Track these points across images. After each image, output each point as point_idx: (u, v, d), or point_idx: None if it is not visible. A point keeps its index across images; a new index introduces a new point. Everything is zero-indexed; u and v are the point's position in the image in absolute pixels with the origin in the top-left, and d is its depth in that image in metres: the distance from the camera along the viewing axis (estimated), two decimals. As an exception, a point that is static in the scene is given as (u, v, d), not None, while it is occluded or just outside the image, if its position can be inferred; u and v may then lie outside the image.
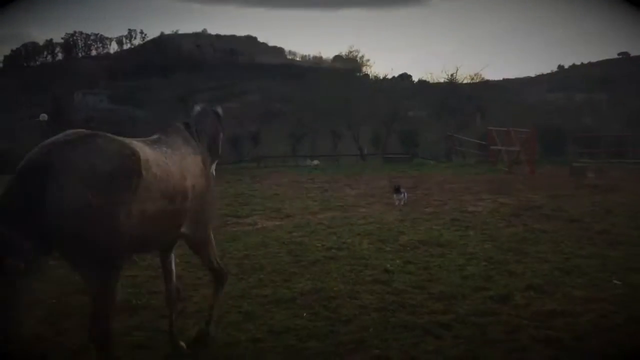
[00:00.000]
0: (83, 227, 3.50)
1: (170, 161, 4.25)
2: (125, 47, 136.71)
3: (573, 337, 4.74)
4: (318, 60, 56.95)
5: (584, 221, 10.17)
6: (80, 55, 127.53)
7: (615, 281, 6.39)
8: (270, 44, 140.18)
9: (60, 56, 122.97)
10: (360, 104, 42.69)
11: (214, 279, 5.08)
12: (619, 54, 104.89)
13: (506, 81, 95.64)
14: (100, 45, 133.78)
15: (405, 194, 12.80)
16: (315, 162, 34.08)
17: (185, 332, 5.04)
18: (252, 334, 4.97)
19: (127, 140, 4.01)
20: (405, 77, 64.75)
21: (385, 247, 8.42)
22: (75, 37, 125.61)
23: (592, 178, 17.80)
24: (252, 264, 7.45)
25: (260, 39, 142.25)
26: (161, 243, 4.54)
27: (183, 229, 4.48)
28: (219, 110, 5.46)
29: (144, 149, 4.02)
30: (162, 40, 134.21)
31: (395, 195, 12.53)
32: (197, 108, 5.31)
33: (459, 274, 6.82)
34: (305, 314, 5.47)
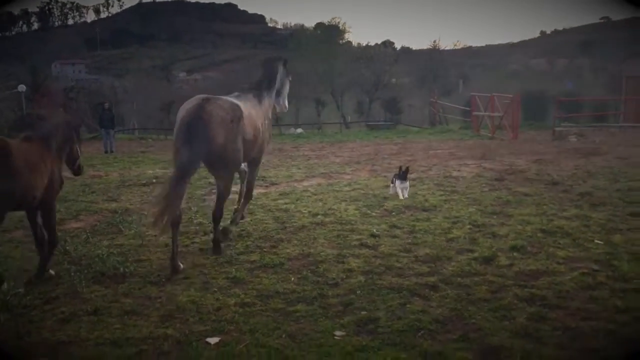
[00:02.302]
0: (224, 152, 6.11)
1: (252, 109, 6.77)
2: (102, 15, 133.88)
3: (556, 296, 4.84)
4: (300, 27, 56.10)
5: (566, 184, 10.30)
6: (56, 24, 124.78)
7: (597, 241, 6.51)
8: (251, 11, 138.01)
9: (35, 26, 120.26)
10: (343, 72, 42.45)
11: (247, 191, 7.64)
12: (600, 19, 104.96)
13: (489, 47, 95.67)
14: (77, 13, 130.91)
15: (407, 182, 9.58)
16: (299, 130, 34.01)
17: (175, 297, 5.08)
18: (241, 298, 5.01)
19: (231, 99, 6.61)
20: (388, 44, 64.33)
21: (371, 212, 8.47)
22: (50, 6, 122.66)
23: (574, 142, 18.00)
24: (238, 231, 7.46)
25: (241, 7, 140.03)
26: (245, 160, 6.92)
27: (253, 154, 6.97)
28: (283, 62, 7.75)
29: (239, 103, 6.51)
30: (141, 9, 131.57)
31: (398, 183, 9.40)
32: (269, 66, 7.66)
33: (444, 237, 6.90)
34: (293, 278, 5.52)
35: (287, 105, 8.05)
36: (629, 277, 5.23)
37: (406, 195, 9.25)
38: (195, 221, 8.21)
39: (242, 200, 7.78)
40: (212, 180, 11.89)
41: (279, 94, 7.72)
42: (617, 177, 10.75)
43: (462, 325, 4.36)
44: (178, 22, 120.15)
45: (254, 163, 7.35)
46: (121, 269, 5.86)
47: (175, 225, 5.94)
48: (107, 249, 6.62)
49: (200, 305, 4.87)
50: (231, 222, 7.22)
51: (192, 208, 9.15)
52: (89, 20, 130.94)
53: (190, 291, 5.20)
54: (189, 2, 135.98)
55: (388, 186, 10.08)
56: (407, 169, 9.55)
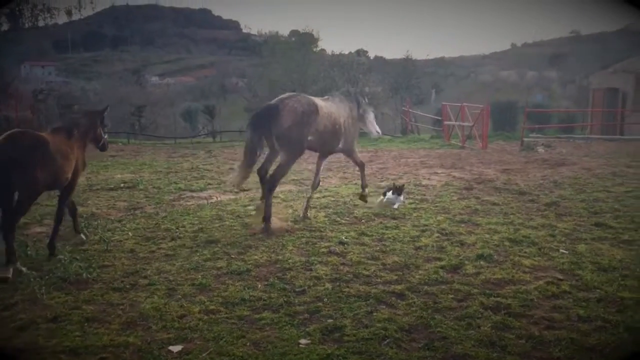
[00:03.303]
0: (289, 134, 7.54)
1: (332, 108, 8.25)
2: (74, 17, 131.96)
3: (521, 304, 4.88)
4: (274, 34, 55.97)
5: (533, 194, 10.44)
6: (26, 25, 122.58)
7: (562, 250, 6.59)
8: (225, 17, 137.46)
9: (5, 26, 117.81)
10: (316, 79, 42.44)
11: (359, 167, 9.27)
12: (570, 32, 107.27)
13: (461, 58, 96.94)
14: (48, 15, 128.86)
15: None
16: (272, 136, 33.82)
17: (138, 304, 4.98)
18: (206, 305, 4.93)
19: (312, 97, 8.09)
20: (361, 52, 64.64)
21: (341, 219, 8.46)
22: (21, 7, 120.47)
23: (541, 152, 18.29)
24: (206, 237, 7.38)
25: (215, 12, 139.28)
26: (328, 149, 8.54)
27: (340, 145, 8.51)
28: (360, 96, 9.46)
29: (319, 102, 8.01)
30: (114, 12, 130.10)
31: (392, 196, 9.05)
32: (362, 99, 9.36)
33: (413, 245, 6.92)
34: (260, 285, 5.46)
35: (379, 130, 9.82)
36: (591, 286, 5.31)
37: (396, 207, 8.93)
38: (162, 226, 8.09)
39: (361, 175, 9.33)
40: (182, 185, 11.86)
41: (363, 119, 9.21)
42: (582, 188, 10.95)
43: (427, 333, 4.35)
44: (151, 26, 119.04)
45: (347, 152, 8.89)
46: (84, 274, 5.73)
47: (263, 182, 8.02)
48: (70, 254, 6.46)
49: (164, 312, 4.78)
50: (361, 195, 9.17)
51: (160, 213, 9.03)
52: (60, 22, 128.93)
53: (154, 298, 5.11)
54: (163, 7, 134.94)
55: (358, 193, 10.05)
56: (403, 186, 9.27)
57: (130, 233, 7.67)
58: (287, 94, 8.09)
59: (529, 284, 5.43)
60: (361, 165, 9.28)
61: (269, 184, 7.86)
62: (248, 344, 4.20)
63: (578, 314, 4.64)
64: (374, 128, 9.53)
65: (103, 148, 7.57)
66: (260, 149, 7.78)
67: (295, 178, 13.08)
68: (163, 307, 4.89)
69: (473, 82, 71.99)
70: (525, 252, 6.53)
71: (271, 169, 8.10)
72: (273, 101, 7.86)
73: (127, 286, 5.49)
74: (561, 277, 5.61)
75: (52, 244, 6.58)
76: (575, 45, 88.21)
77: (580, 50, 79.48)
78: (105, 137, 7.51)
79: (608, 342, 4.10)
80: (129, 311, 4.84)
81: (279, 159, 7.89)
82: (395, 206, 8.95)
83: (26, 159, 5.78)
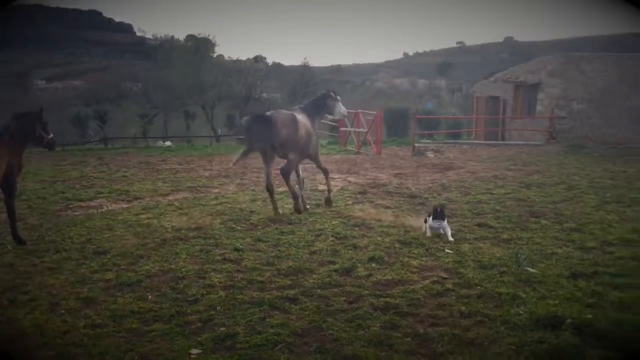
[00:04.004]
0: (284, 140, 8.89)
1: (304, 119, 9.48)
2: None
3: (408, 303, 5.08)
4: (169, 38, 54.71)
5: (423, 197, 10.92)
6: None
7: (447, 250, 6.94)
8: (117, 19, 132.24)
9: None
10: (213, 85, 41.92)
11: (324, 173, 10.39)
12: (456, 43, 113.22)
13: (356, 66, 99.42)
14: None
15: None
16: (167, 143, 33.11)
17: (17, 321, 4.68)
18: (92, 319, 4.72)
19: (290, 111, 9.55)
20: (260, 59, 64.72)
21: (237, 226, 8.41)
22: None
23: (431, 157, 19.16)
24: (94, 248, 7.07)
25: (106, 14, 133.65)
26: (303, 154, 9.61)
27: (310, 150, 9.70)
28: (329, 94, 10.46)
29: (296, 114, 9.36)
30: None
31: (434, 223, 7.59)
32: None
33: (308, 249, 7.01)
34: (150, 296, 5.31)
35: (344, 110, 10.89)
36: (473, 283, 5.62)
37: (450, 238, 7.41)
38: (47, 238, 7.66)
39: (326, 181, 10.43)
40: (69, 195, 11.29)
41: (331, 111, 10.45)
42: (467, 190, 11.58)
43: (319, 336, 4.43)
44: (39, 27, 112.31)
45: (314, 158, 9.99)
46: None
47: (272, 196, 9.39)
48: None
49: (46, 329, 4.53)
50: (326, 199, 10.17)
51: (45, 224, 8.55)
52: None
53: (35, 314, 4.82)
54: (50, 7, 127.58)
55: (254, 200, 10.05)
56: (443, 208, 7.87)
57: (9, 246, 7.20)
58: (272, 111, 9.41)
59: (416, 283, 5.66)
60: (325, 171, 10.38)
61: (284, 177, 9.24)
62: (136, 357, 4.07)
63: (460, 310, 4.89)
64: (341, 111, 10.72)
65: (49, 147, 7.91)
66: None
67: (192, 185, 12.85)
68: (44, 324, 4.63)
69: (368, 90, 74.19)
70: (414, 253, 6.81)
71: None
72: (266, 113, 9.26)
73: (5, 302, 5.14)
74: (446, 276, 5.90)
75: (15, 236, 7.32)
76: (461, 56, 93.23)
77: (465, 60, 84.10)
78: (50, 136, 7.74)
79: (486, 335, 4.36)
80: (6, 329, 4.54)
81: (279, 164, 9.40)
82: (442, 231, 7.55)
83: None
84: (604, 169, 15.36)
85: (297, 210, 9.31)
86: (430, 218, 7.65)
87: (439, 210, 7.63)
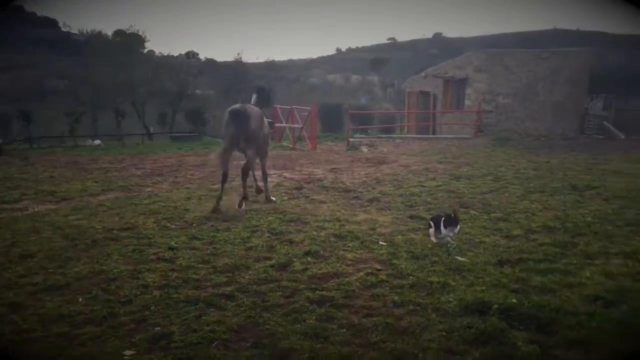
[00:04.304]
0: (254, 133, 9.32)
1: (263, 116, 9.84)
2: None
3: (343, 295, 5.17)
4: (97, 34, 52.85)
5: (357, 191, 11.09)
6: None
7: (381, 242, 7.09)
8: (40, 13, 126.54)
9: None
10: (144, 81, 40.93)
11: (262, 174, 10.37)
12: (387, 39, 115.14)
13: (290, 62, 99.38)
14: None
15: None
16: (97, 141, 32.15)
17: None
18: (19, 325, 4.55)
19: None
20: (192, 55, 63.55)
21: (171, 225, 8.29)
22: None
23: (365, 152, 19.45)
24: (20, 251, 6.80)
25: (28, 9, 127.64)
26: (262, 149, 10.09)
27: (265, 149, 10.22)
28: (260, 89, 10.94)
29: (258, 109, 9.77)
30: None
31: (447, 232, 6.72)
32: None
33: (244, 246, 6.99)
34: (81, 299, 5.17)
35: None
36: (406, 273, 5.78)
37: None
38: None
39: (263, 182, 10.47)
40: None
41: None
42: (400, 184, 11.85)
43: (256, 332, 4.44)
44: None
45: (263, 156, 10.35)
46: None
47: (224, 180, 9.47)
48: None
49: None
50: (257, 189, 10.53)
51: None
52: None
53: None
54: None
55: (189, 198, 9.91)
56: (456, 214, 6.90)
57: None
58: (242, 104, 9.65)
59: (351, 275, 5.76)
60: (265, 175, 10.45)
61: (243, 175, 9.70)
62: (66, 362, 3.96)
63: (393, 300, 5.03)
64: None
65: None
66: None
67: (124, 184, 12.53)
68: (-34, 333, 4.43)
69: (302, 85, 74.29)
70: (349, 246, 6.92)
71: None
72: (239, 106, 9.49)
73: None
74: (380, 268, 6.03)
75: None
76: (393, 52, 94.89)
77: (397, 56, 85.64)
78: None
79: (418, 323, 4.50)
80: None
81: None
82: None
83: None
84: (528, 160, 16.07)
85: (259, 191, 10.25)
86: (442, 227, 6.69)
87: (453, 216, 6.76)
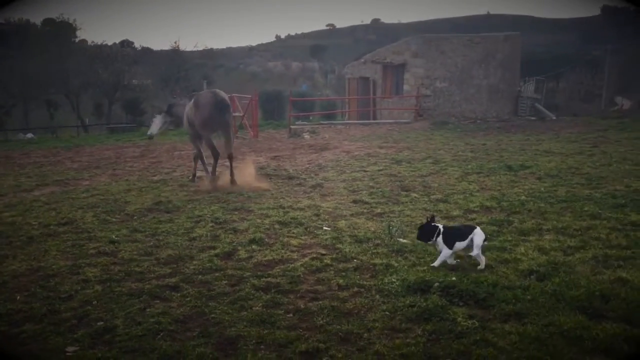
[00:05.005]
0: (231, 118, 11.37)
1: None
2: None
3: (289, 281, 5.20)
4: (25, 23, 50.50)
5: (300, 177, 11.14)
6: None
7: (325, 228, 7.17)
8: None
9: None
10: (77, 72, 39.51)
11: (229, 159, 10.85)
12: (326, 25, 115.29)
13: (229, 50, 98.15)
14: None
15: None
16: (29, 135, 30.97)
17: None
18: (-51, 329, 4.38)
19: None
20: (127, 43, 61.72)
21: (112, 218, 8.11)
22: None
23: (307, 139, 19.50)
24: (-49, 252, 6.51)
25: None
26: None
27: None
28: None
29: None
30: None
31: (459, 245, 5.36)
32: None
33: (187, 236, 6.93)
34: (19, 297, 5.01)
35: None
36: (350, 257, 5.87)
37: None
38: None
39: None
40: None
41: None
42: (343, 169, 11.98)
43: (202, 321, 4.43)
44: None
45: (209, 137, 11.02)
46: None
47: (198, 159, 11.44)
48: None
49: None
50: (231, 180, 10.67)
51: None
52: None
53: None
54: None
55: (129, 190, 9.70)
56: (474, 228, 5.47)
57: None
58: (214, 90, 10.79)
59: (296, 261, 5.81)
60: (231, 156, 10.90)
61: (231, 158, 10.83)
62: (6, 361, 3.85)
63: (338, 284, 5.10)
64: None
65: None
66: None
67: (59, 179, 12.15)
68: None
69: (242, 73, 73.55)
70: (293, 233, 6.96)
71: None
72: (220, 95, 10.43)
73: None
74: (324, 252, 6.10)
75: None
76: (333, 38, 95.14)
77: (336, 42, 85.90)
78: None
79: (363, 305, 4.60)
80: None
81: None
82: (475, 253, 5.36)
83: None
84: (465, 143, 16.53)
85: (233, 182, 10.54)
86: (457, 241, 5.36)
87: (463, 228, 5.56)
